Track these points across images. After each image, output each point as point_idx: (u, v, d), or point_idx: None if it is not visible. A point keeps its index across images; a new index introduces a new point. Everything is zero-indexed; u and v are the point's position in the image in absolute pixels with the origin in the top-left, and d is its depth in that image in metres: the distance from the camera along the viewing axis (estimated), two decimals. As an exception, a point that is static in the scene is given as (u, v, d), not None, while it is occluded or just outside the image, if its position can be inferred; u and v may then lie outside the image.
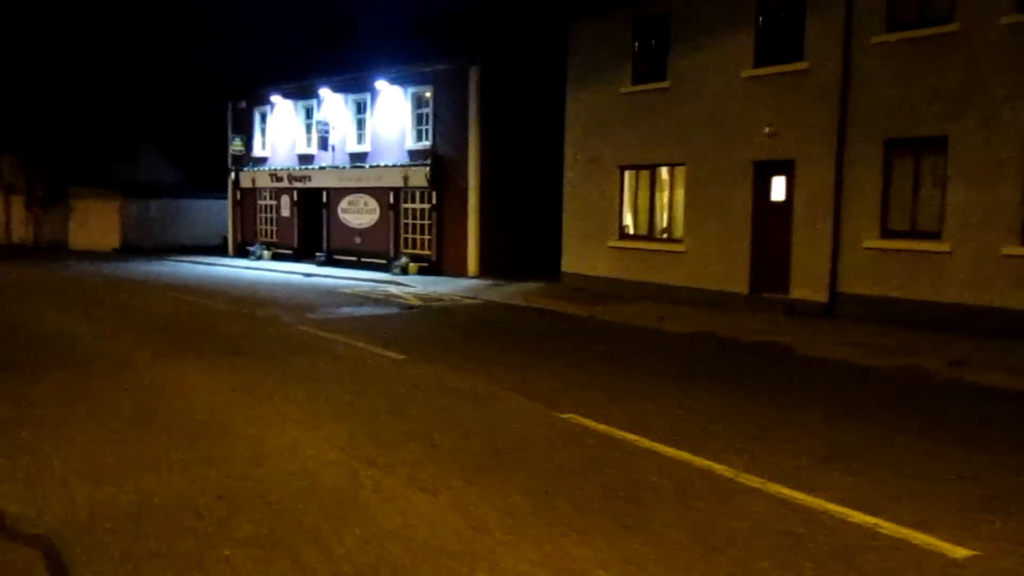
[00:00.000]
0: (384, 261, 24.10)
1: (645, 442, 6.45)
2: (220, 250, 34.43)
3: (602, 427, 6.89)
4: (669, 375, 9.42)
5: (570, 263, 19.00)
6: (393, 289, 19.67)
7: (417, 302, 17.07)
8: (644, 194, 17.43)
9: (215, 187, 41.20)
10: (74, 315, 14.16)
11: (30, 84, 38.22)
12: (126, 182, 37.40)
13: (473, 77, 21.54)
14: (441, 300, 17.62)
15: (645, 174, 17.37)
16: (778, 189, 14.89)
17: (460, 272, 22.06)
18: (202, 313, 14.84)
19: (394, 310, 15.75)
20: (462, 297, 18.07)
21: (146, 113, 41.82)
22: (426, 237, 23.29)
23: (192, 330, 12.57)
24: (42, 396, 7.88)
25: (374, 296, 18.11)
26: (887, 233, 13.27)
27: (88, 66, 39.90)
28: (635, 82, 17.28)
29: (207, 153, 43.77)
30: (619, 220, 17.86)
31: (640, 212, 17.57)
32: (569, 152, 18.87)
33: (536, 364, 9.91)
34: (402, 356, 10.21)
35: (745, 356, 10.94)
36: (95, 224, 35.82)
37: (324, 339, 11.67)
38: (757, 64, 14.97)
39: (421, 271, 22.88)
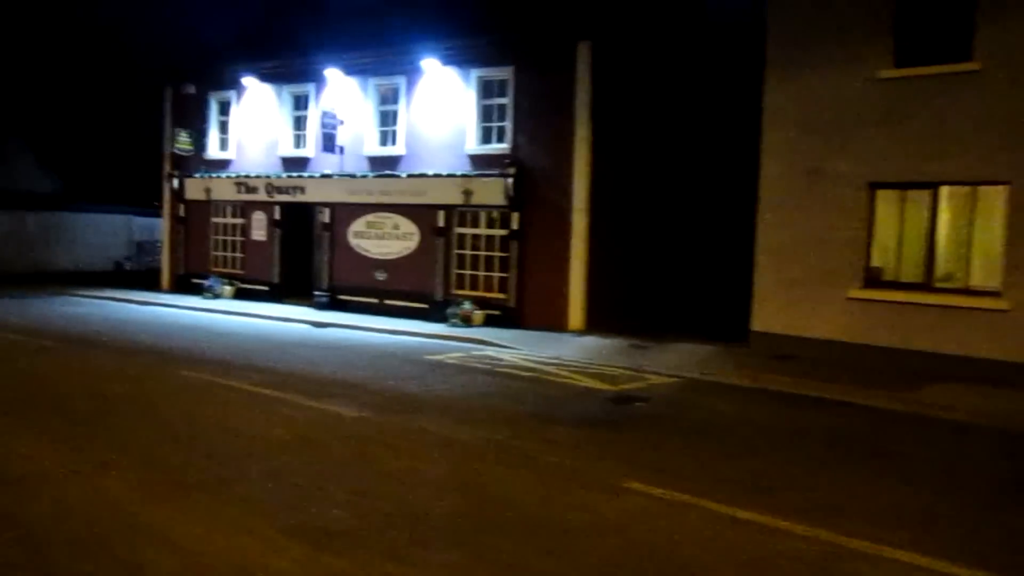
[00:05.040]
0: (426, 306, 17.55)
1: None
2: (120, 279, 26.55)
3: None
4: None
5: (767, 319, 13.42)
6: (506, 356, 13.31)
7: (606, 387, 10.85)
8: (915, 224, 12.14)
9: (101, 198, 33.18)
10: (82, 457, 7.12)
11: None
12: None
13: (583, 56, 15.61)
14: (621, 381, 11.51)
15: (919, 196, 12.08)
16: None
17: (554, 324, 15.93)
18: (354, 445, 8.02)
19: (616, 410, 9.57)
20: (633, 371, 12.03)
21: (17, 105, 32.76)
22: (496, 275, 16.98)
23: (465, 544, 5.90)
24: None
25: (502, 371, 11.74)
26: None
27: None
28: (902, 64, 12.03)
29: (94, 155, 35.26)
30: (866, 260, 12.51)
31: (908, 250, 12.26)
32: (770, 164, 13.33)
33: None
34: None
35: None
36: (-49, 245, 26.71)
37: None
38: None
39: (490, 321, 16.56)
